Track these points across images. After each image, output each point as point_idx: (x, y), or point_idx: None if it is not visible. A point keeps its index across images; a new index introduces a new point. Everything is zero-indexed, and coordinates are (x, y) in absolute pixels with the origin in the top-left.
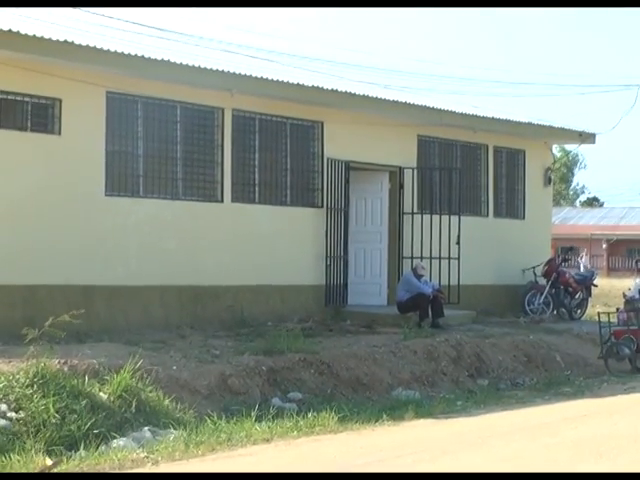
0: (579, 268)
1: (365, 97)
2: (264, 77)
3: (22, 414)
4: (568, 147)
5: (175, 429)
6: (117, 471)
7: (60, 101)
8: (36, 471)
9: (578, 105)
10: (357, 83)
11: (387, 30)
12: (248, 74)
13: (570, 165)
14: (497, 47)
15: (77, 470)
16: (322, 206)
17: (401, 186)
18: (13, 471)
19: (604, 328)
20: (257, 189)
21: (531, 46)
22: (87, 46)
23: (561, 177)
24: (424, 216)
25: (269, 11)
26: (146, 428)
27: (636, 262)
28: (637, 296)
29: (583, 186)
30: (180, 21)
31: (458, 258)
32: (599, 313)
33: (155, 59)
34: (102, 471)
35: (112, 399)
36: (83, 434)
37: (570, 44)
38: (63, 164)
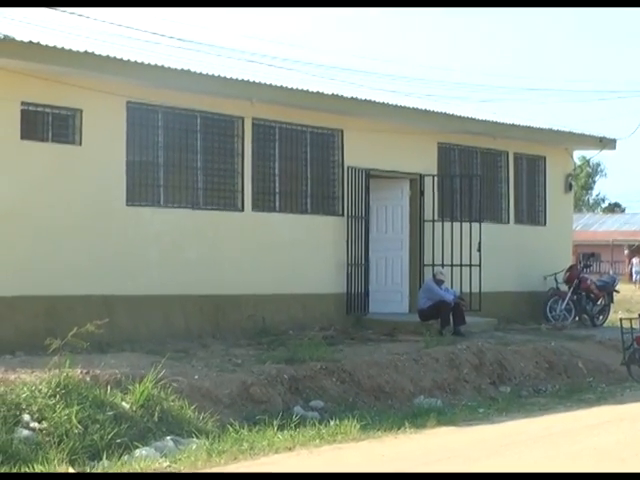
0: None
1: (385, 105)
2: (284, 86)
3: (45, 424)
4: (588, 154)
5: (197, 438)
6: None
7: (81, 111)
8: None
9: (597, 111)
10: (377, 91)
11: (409, 37)
12: (268, 83)
13: (591, 173)
14: (520, 53)
15: None
16: (343, 214)
17: (422, 193)
18: None
19: (626, 334)
20: (277, 198)
21: (551, 52)
22: (107, 57)
23: (582, 185)
24: (445, 223)
25: (288, 20)
26: (169, 437)
27: None
28: None
29: (604, 196)
30: (201, 31)
31: (479, 265)
32: (621, 319)
33: (175, 69)
34: None
35: (135, 409)
36: (106, 444)
37: (589, 50)
38: (84, 174)
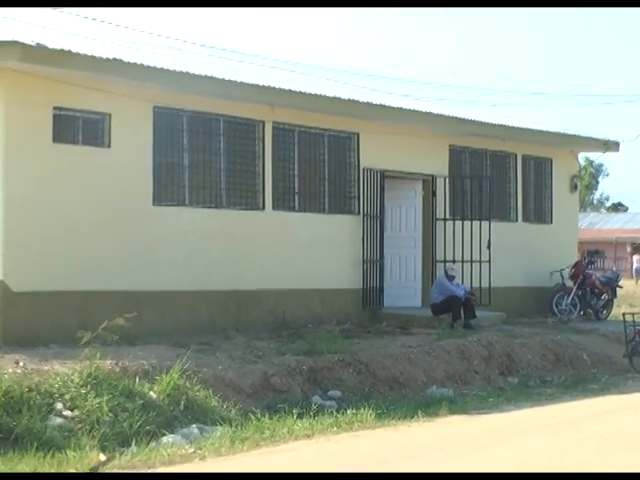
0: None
1: (399, 109)
2: (303, 91)
3: (77, 412)
4: (593, 156)
5: (221, 426)
6: (167, 466)
7: (110, 116)
8: (90, 466)
9: (603, 114)
10: (391, 95)
11: (417, 41)
12: (287, 88)
13: (595, 174)
14: (534, 59)
15: (129, 465)
16: (359, 213)
17: (434, 193)
18: (69, 466)
19: (629, 328)
20: (297, 198)
21: (559, 58)
22: (135, 63)
23: (586, 185)
24: (456, 222)
25: (305, 28)
26: (194, 425)
27: None
28: None
29: (608, 196)
30: (224, 38)
31: (489, 262)
32: (624, 314)
33: (199, 75)
34: (153, 466)
35: (162, 398)
36: (135, 431)
37: (598, 55)
38: (113, 175)
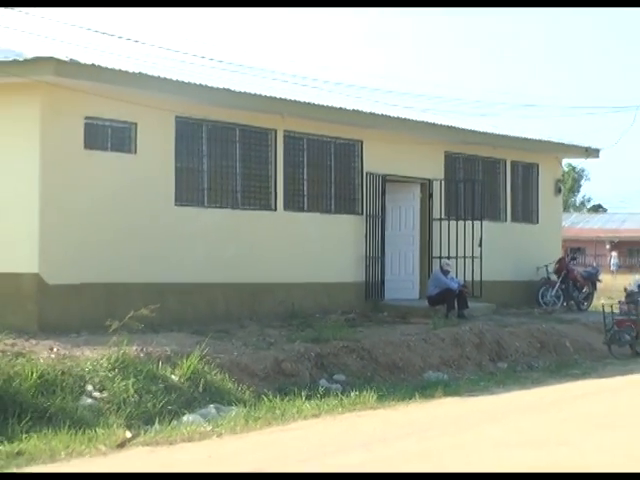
0: (610, 266)
1: (398, 119)
2: (311, 102)
3: (105, 394)
4: (575, 162)
5: (236, 406)
6: (187, 442)
7: (136, 124)
8: (117, 442)
9: (584, 124)
10: (392, 107)
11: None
12: (297, 99)
13: (577, 178)
14: (518, 71)
15: (153, 441)
16: (362, 213)
17: (430, 196)
18: (98, 442)
19: (608, 318)
20: (305, 199)
21: (547, 71)
22: (159, 77)
23: (569, 189)
24: (450, 222)
25: (314, 44)
26: (211, 405)
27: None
28: (636, 290)
29: (590, 198)
30: (240, 53)
31: (480, 258)
32: (603, 305)
33: (217, 87)
34: (174, 442)
35: (182, 381)
36: (158, 411)
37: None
38: (139, 179)
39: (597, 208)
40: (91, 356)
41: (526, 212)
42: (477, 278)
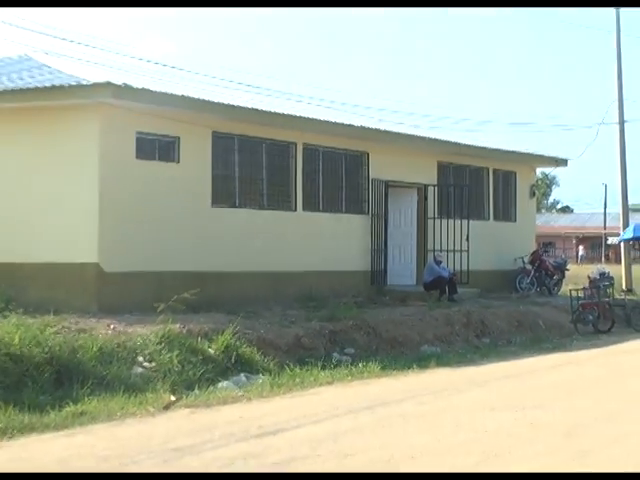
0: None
1: (399, 134)
2: (326, 120)
3: (153, 364)
4: (546, 170)
5: (263, 375)
6: (222, 405)
7: (179, 138)
8: (164, 404)
9: (554, 137)
10: (397, 124)
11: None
12: (314, 117)
13: (549, 184)
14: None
15: (193, 404)
16: (368, 213)
17: (425, 198)
18: (148, 404)
19: (574, 301)
20: (321, 201)
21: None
22: (198, 99)
23: (542, 193)
24: (442, 220)
25: (329, 69)
26: (242, 374)
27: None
28: (598, 277)
29: (559, 201)
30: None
31: (467, 250)
32: (570, 290)
33: (248, 108)
34: (211, 405)
35: (217, 353)
36: (197, 378)
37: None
38: (181, 184)
39: (565, 209)
40: (142, 332)
41: (506, 212)
42: (465, 268)
